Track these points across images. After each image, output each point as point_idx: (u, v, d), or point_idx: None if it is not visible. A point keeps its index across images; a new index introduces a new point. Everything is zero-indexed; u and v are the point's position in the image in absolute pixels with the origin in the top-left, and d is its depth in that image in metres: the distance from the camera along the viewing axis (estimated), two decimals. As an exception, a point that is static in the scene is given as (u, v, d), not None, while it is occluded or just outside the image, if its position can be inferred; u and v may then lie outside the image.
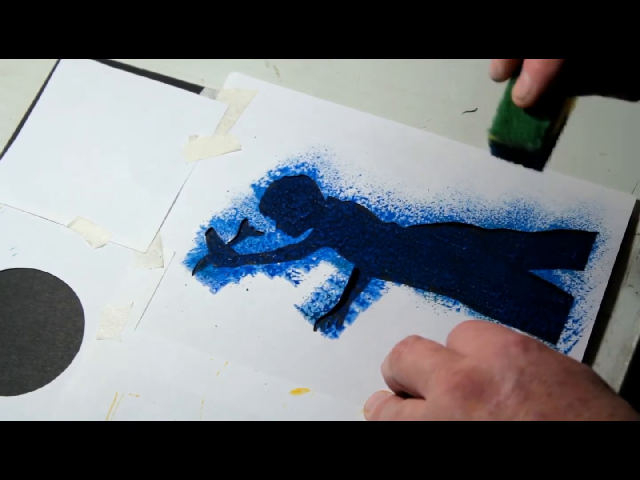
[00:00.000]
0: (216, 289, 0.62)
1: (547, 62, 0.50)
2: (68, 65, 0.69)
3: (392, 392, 0.54)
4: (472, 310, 0.61)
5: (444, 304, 0.61)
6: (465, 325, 0.50)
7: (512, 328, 0.59)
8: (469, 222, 0.63)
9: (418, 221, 0.63)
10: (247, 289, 0.62)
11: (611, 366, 0.59)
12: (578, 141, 0.66)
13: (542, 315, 0.60)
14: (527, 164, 0.55)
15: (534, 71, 0.51)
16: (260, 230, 0.63)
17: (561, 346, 0.59)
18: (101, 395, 0.59)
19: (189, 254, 0.63)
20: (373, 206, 0.64)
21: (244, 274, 0.62)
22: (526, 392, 0.44)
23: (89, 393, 0.59)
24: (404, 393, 0.53)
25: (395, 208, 0.64)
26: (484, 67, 0.62)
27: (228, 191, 0.65)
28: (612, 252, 0.62)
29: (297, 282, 0.62)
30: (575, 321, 0.60)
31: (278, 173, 0.65)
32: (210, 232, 0.63)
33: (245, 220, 0.64)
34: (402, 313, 0.61)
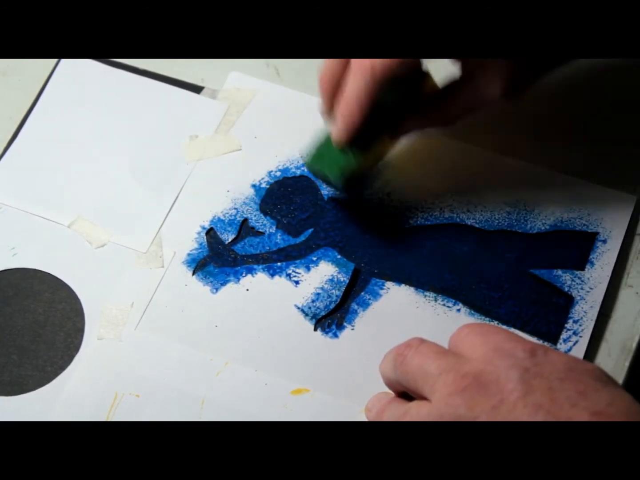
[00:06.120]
0: (216, 289, 0.62)
1: (351, 113, 0.56)
2: (68, 65, 0.69)
3: (392, 393, 0.54)
4: (472, 311, 0.60)
5: (444, 305, 0.61)
6: (468, 329, 0.50)
7: (513, 329, 0.59)
8: (469, 223, 0.63)
9: (418, 222, 0.63)
10: (248, 289, 0.62)
11: (611, 366, 0.59)
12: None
13: (542, 315, 0.60)
14: (338, 190, 0.63)
15: (341, 116, 0.57)
16: (260, 230, 0.63)
17: (561, 346, 0.59)
18: (101, 395, 0.58)
19: (189, 254, 0.63)
20: (373, 206, 0.64)
21: (244, 274, 0.62)
22: (528, 387, 0.45)
23: (89, 393, 0.59)
24: (405, 394, 0.53)
25: (395, 208, 0.64)
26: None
27: (228, 191, 0.65)
28: (612, 253, 0.62)
29: (297, 282, 0.62)
30: (575, 321, 0.60)
31: (278, 173, 0.65)
32: (210, 232, 0.63)
33: (245, 220, 0.64)
34: (402, 313, 0.61)
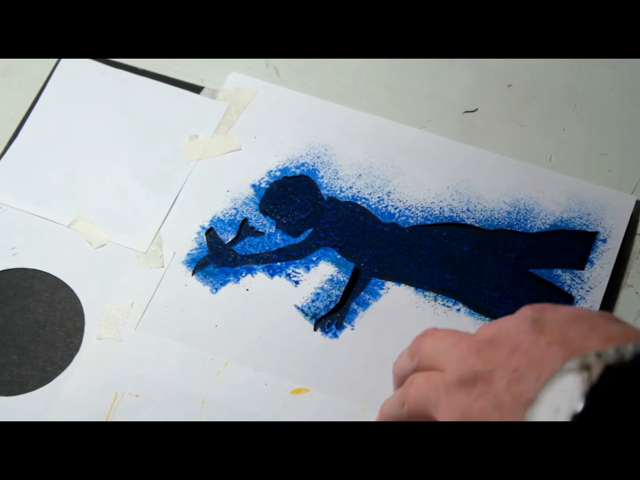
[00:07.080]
0: (216, 289, 0.62)
1: None
2: (68, 65, 0.69)
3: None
4: (472, 311, 0.61)
5: (444, 304, 0.61)
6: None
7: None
8: (469, 222, 0.63)
9: (418, 221, 0.63)
10: (247, 289, 0.62)
11: (611, 366, 0.59)
12: (578, 141, 0.66)
13: (542, 315, 0.60)
14: None
15: None
16: (260, 230, 0.63)
17: (561, 346, 0.59)
18: (101, 395, 0.58)
19: (189, 254, 0.63)
20: (373, 206, 0.64)
21: (244, 274, 0.62)
22: (540, 333, 0.46)
23: (89, 393, 0.59)
24: None
25: (395, 208, 0.64)
26: (484, 67, 0.62)
27: (228, 191, 0.65)
28: (612, 252, 0.62)
29: (297, 282, 0.62)
30: (575, 321, 0.60)
31: (278, 173, 0.65)
32: (210, 232, 0.63)
33: (245, 220, 0.64)
34: (402, 313, 0.61)
